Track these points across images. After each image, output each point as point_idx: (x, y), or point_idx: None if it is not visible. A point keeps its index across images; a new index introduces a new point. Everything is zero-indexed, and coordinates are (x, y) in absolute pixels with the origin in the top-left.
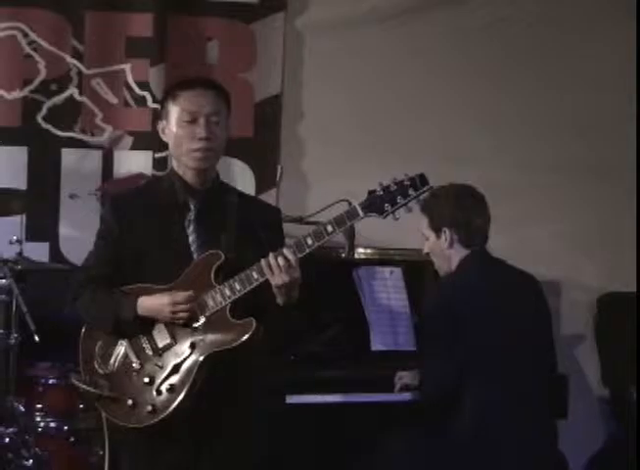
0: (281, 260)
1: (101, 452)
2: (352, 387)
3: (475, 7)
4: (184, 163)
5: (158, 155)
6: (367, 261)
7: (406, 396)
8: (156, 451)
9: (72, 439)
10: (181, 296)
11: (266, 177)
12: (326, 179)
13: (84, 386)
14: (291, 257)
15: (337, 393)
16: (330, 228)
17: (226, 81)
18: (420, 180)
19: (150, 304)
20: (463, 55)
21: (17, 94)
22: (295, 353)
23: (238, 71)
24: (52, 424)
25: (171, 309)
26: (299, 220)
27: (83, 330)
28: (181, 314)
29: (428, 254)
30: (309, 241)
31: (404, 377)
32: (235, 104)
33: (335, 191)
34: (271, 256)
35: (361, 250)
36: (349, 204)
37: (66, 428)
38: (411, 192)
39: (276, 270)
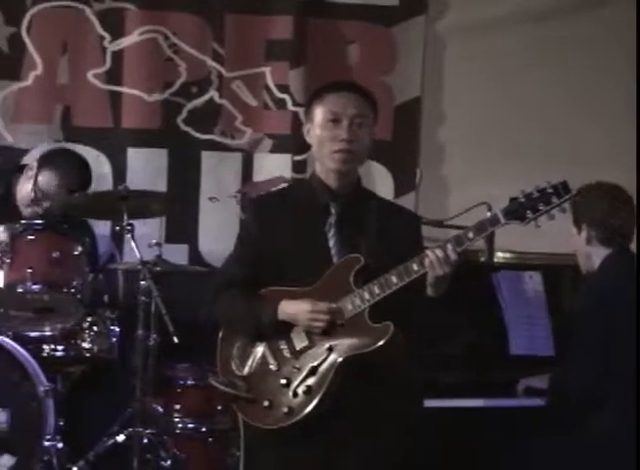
0: (440, 253)
1: (237, 453)
2: (494, 391)
3: (616, 9)
4: (326, 165)
5: (297, 158)
6: (506, 266)
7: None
8: (291, 453)
9: (210, 439)
10: (322, 306)
11: (405, 181)
12: (465, 183)
13: (222, 387)
14: (450, 252)
15: (478, 397)
16: (471, 235)
17: (366, 84)
18: (562, 188)
19: (290, 309)
20: (606, 56)
21: (157, 97)
22: (433, 356)
23: (378, 74)
24: (190, 425)
25: (310, 317)
26: (439, 224)
27: (221, 332)
28: (318, 323)
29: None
30: (449, 246)
31: (531, 381)
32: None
33: (474, 195)
34: (432, 249)
35: (500, 254)
36: (489, 207)
37: (203, 429)
38: (554, 200)
39: (436, 263)
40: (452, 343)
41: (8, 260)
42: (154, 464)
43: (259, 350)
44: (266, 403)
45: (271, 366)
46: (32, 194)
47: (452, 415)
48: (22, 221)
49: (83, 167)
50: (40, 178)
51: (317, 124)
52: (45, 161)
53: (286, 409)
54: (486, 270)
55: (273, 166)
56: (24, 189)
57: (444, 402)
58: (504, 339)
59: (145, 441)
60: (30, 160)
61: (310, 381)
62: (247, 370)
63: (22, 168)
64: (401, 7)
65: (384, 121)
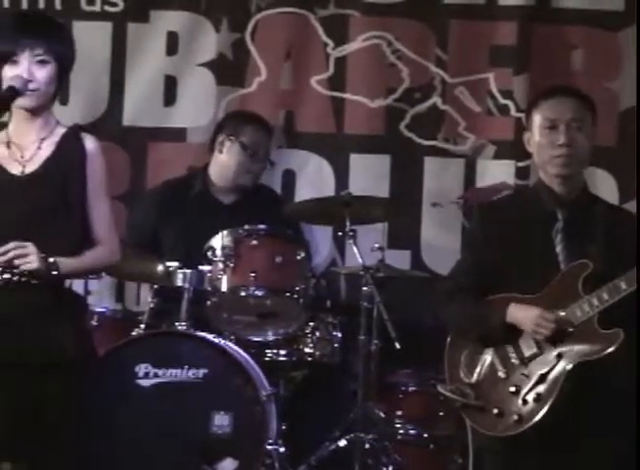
0: None
1: (460, 460)
2: None
3: None
4: (547, 171)
5: (520, 164)
6: None
7: None
8: (520, 461)
9: (432, 446)
10: (550, 314)
11: (630, 187)
12: None
13: (450, 394)
14: None
15: None
16: None
17: (590, 90)
18: None
19: (518, 313)
20: None
21: (380, 102)
22: None
23: (602, 80)
24: (411, 431)
25: (536, 323)
26: None
27: (449, 339)
28: (544, 331)
29: None
30: None
31: None
32: (598, 112)
33: None
34: None
35: None
36: None
37: (425, 435)
38: None
39: None
40: None
41: (231, 265)
42: (375, 469)
43: (487, 357)
44: (495, 411)
45: (500, 374)
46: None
47: None
48: (246, 226)
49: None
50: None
51: (535, 132)
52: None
53: (516, 417)
54: None
55: (496, 173)
56: (215, 165)
57: None
58: None
59: (366, 446)
60: None
61: (540, 388)
62: (475, 378)
63: None
64: (627, 12)
65: (608, 127)
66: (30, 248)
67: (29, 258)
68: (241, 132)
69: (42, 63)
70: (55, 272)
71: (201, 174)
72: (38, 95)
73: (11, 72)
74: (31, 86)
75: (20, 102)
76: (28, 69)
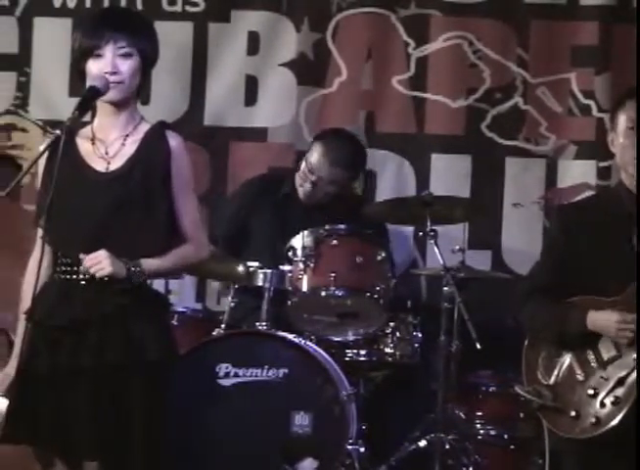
0: None
1: (540, 461)
2: None
3: None
4: (629, 172)
5: (602, 164)
6: None
7: None
8: (597, 464)
9: (512, 447)
10: (631, 317)
11: None
12: None
13: (528, 395)
14: None
15: None
16: None
17: None
18: None
19: (598, 319)
20: None
21: (461, 103)
22: None
23: None
24: (492, 432)
25: (618, 327)
26: None
27: (527, 340)
28: (627, 333)
29: None
30: None
31: None
32: None
33: None
34: None
35: None
36: None
37: (505, 436)
38: None
39: None
40: None
41: (312, 265)
42: None
43: (566, 359)
44: (573, 413)
45: (578, 376)
46: (305, 169)
47: None
48: (327, 226)
49: (354, 144)
50: (311, 153)
51: (619, 132)
52: (317, 137)
53: (593, 420)
54: None
55: (577, 173)
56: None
57: None
58: None
59: (447, 447)
60: None
61: (619, 392)
62: (553, 379)
63: None
64: None
65: None
66: (102, 253)
67: (102, 263)
68: (311, 151)
69: (126, 56)
70: (137, 272)
71: (290, 176)
72: (122, 88)
73: (95, 67)
74: (116, 79)
75: (105, 95)
76: (112, 61)
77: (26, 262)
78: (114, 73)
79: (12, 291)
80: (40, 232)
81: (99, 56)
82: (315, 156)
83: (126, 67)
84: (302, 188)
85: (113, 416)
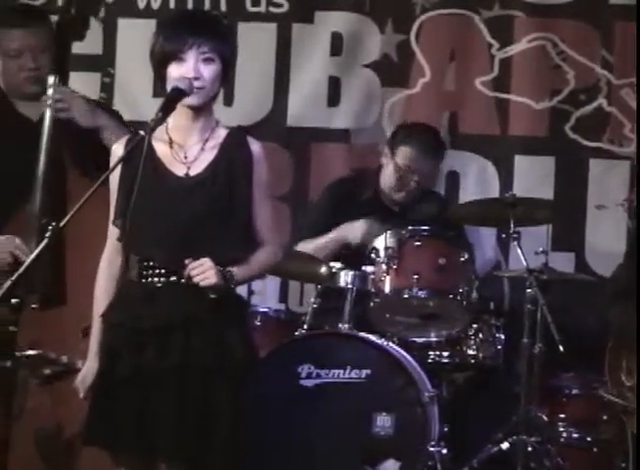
0: None
1: (623, 464)
2: None
3: None
4: None
5: None
6: None
7: None
8: None
9: (595, 450)
10: None
11: None
12: None
13: (611, 397)
14: None
15: None
16: None
17: None
18: None
19: None
20: None
21: (545, 104)
22: None
23: None
24: (574, 434)
25: None
26: None
27: (610, 342)
28: None
29: None
30: None
31: None
32: None
33: None
34: None
35: None
36: None
37: (588, 439)
38: None
39: None
40: None
41: (394, 266)
42: None
43: None
44: None
45: None
46: (396, 174)
47: None
48: (410, 227)
49: (432, 131)
50: (398, 156)
51: None
52: (393, 138)
53: None
54: None
55: None
56: (387, 173)
57: None
58: None
59: (529, 449)
60: None
61: None
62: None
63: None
64: None
65: None
66: (208, 263)
67: (208, 273)
68: (397, 152)
69: (208, 61)
70: (232, 284)
71: (372, 179)
72: (204, 93)
73: (177, 71)
74: (198, 84)
75: (185, 100)
76: (195, 66)
77: None
78: (196, 79)
79: None
80: (115, 232)
81: (181, 60)
82: (408, 155)
83: (209, 72)
84: (404, 192)
85: (197, 418)
